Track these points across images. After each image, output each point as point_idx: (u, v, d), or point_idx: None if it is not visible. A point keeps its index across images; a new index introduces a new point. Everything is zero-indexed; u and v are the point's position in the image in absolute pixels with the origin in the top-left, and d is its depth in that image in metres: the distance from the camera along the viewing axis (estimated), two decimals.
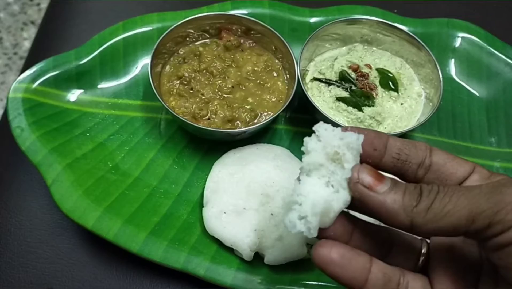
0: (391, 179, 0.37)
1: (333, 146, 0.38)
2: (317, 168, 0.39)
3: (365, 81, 0.67)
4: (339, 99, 0.66)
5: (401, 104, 0.67)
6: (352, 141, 0.38)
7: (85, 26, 0.79)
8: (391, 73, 0.69)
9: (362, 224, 0.41)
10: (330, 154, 0.39)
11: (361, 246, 0.40)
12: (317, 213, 0.37)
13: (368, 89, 0.67)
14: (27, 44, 1.71)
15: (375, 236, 0.41)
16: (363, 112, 0.65)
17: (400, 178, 0.40)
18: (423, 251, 0.42)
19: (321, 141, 0.39)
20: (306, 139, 0.40)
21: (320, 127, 0.40)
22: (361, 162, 0.39)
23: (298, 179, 0.40)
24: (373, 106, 0.65)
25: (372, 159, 0.40)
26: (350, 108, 0.65)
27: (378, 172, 0.38)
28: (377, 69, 0.69)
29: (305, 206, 0.37)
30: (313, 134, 0.40)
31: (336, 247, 0.37)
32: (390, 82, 0.68)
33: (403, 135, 0.68)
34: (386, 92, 0.67)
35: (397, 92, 0.67)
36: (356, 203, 0.38)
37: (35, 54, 0.79)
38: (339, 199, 0.37)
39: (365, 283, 0.37)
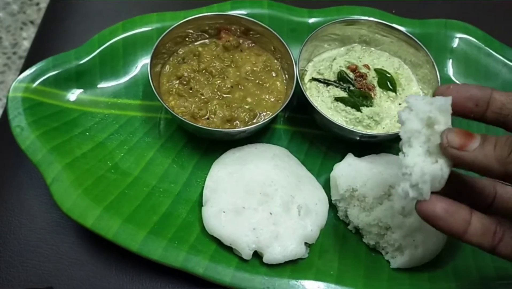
0: (480, 134, 0.41)
1: (424, 112, 0.42)
2: (416, 136, 0.42)
3: (363, 82, 0.67)
4: (338, 99, 0.66)
5: (399, 104, 0.67)
6: (441, 104, 0.42)
7: (85, 26, 0.80)
8: (389, 73, 0.69)
9: (467, 179, 0.45)
10: (424, 120, 0.42)
11: (462, 198, 0.43)
12: (426, 180, 0.41)
13: (366, 89, 0.67)
14: (26, 44, 1.71)
15: (475, 188, 0.46)
16: (361, 112, 0.65)
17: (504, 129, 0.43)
18: None
19: (413, 110, 0.43)
20: (399, 112, 0.44)
21: (410, 98, 0.44)
22: (465, 117, 0.43)
23: (403, 153, 0.44)
24: (371, 106, 0.66)
25: (474, 114, 0.43)
26: (348, 108, 0.65)
27: (466, 132, 0.41)
28: (375, 70, 0.69)
29: (415, 175, 0.42)
30: (404, 107, 0.44)
31: (440, 202, 0.42)
32: (388, 83, 0.68)
33: None
34: (384, 93, 0.68)
35: (395, 92, 0.68)
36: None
37: (35, 54, 0.79)
38: (443, 164, 0.42)
39: (464, 233, 0.42)
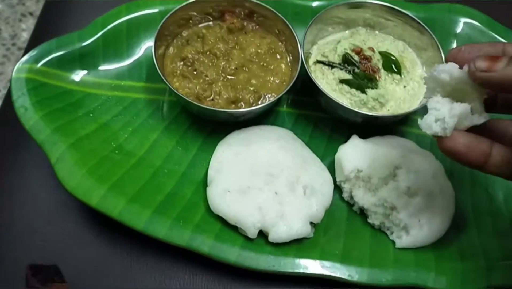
0: (506, 56, 0.42)
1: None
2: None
3: (368, 64, 0.67)
4: (343, 81, 0.66)
5: (404, 87, 0.67)
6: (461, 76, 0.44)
7: (85, 19, 0.77)
8: (394, 56, 0.69)
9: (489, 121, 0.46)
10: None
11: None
12: (455, 115, 0.43)
13: (371, 72, 0.67)
14: (25, 35, 1.70)
15: (498, 129, 0.48)
16: (366, 94, 0.65)
17: None
18: None
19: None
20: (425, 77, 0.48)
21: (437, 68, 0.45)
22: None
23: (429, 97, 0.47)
24: (376, 88, 0.65)
25: None
26: (353, 90, 0.65)
27: (492, 56, 0.42)
28: (380, 52, 0.69)
29: (443, 110, 0.44)
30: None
31: (461, 138, 0.44)
32: (393, 65, 0.68)
33: (406, 117, 0.68)
34: (389, 75, 0.67)
35: (400, 75, 0.68)
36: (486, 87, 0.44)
37: (34, 45, 0.78)
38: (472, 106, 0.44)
39: (484, 164, 0.44)
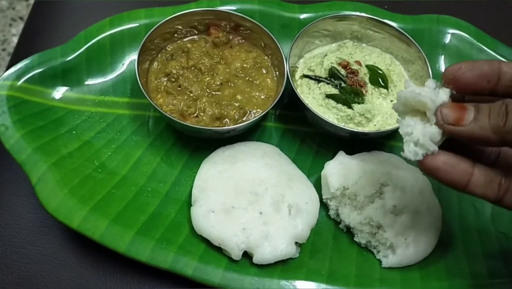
0: (474, 105, 0.41)
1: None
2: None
3: (355, 78, 0.66)
4: (329, 96, 0.65)
5: (391, 101, 0.66)
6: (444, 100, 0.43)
7: (72, 22, 0.78)
8: (381, 70, 0.68)
9: None
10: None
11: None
12: (428, 132, 0.43)
13: (357, 86, 0.66)
14: (15, 41, 1.68)
15: (477, 147, 0.48)
16: (352, 109, 0.64)
17: None
18: None
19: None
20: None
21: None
22: (478, 95, 0.44)
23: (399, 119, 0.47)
24: (362, 103, 0.65)
25: (486, 90, 0.43)
26: (339, 105, 0.64)
27: (459, 105, 0.42)
28: (367, 66, 0.68)
29: (416, 132, 0.44)
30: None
31: (441, 155, 0.43)
32: (380, 79, 0.67)
33: (393, 132, 0.67)
34: (376, 89, 0.67)
35: (387, 89, 0.67)
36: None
37: (22, 51, 0.77)
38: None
39: (467, 184, 0.43)
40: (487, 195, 0.43)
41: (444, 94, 0.44)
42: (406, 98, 0.45)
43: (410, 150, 0.44)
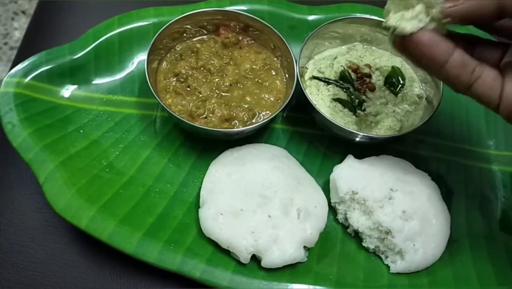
0: None
1: None
2: None
3: (368, 80, 0.66)
4: (336, 100, 0.65)
5: (401, 105, 0.66)
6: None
7: (79, 19, 0.78)
8: (397, 67, 0.68)
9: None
10: None
11: None
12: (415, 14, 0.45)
13: (367, 90, 0.66)
14: (17, 34, 1.67)
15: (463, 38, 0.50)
16: (357, 116, 0.64)
17: None
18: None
19: None
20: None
21: None
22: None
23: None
24: (365, 111, 0.64)
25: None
26: (346, 110, 0.64)
27: None
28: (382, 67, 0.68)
29: (407, 14, 0.45)
30: None
31: (426, 32, 0.44)
32: (398, 78, 0.67)
33: (402, 137, 0.67)
34: (386, 93, 0.66)
35: (398, 92, 0.67)
36: None
37: (27, 46, 0.77)
38: None
39: (445, 63, 0.44)
40: (460, 79, 0.45)
41: None
42: None
43: (397, 21, 0.45)
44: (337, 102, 0.65)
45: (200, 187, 0.60)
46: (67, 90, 0.65)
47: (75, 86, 0.65)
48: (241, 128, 0.61)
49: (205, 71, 0.65)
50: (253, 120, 0.63)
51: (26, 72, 0.63)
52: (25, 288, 0.55)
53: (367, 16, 0.72)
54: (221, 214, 0.56)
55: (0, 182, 0.62)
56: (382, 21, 0.68)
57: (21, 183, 0.62)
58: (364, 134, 0.62)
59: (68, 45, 0.66)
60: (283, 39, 0.66)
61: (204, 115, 0.62)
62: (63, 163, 0.58)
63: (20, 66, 0.63)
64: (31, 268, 0.57)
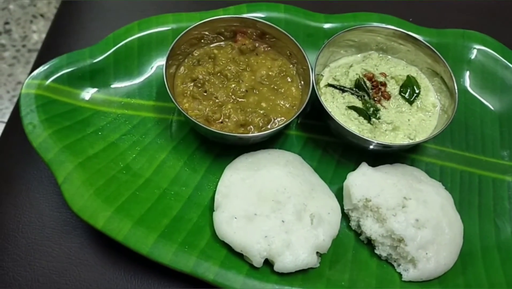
0: None
1: None
2: None
3: (383, 89, 0.67)
4: (351, 108, 0.66)
5: (416, 114, 0.67)
6: None
7: (99, 24, 0.79)
8: (413, 76, 0.68)
9: None
10: None
11: None
12: None
13: (382, 98, 0.66)
14: (35, 37, 1.70)
15: None
16: (371, 124, 0.64)
17: None
18: None
19: None
20: None
21: None
22: None
23: None
24: (380, 119, 0.65)
25: None
26: (361, 118, 0.65)
27: None
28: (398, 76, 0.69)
29: None
30: None
31: None
32: (413, 87, 0.68)
33: (416, 146, 0.67)
34: (401, 102, 0.67)
35: (413, 101, 0.67)
36: None
37: (48, 49, 0.79)
38: None
39: None
40: None
41: None
42: None
43: None
44: (352, 110, 0.66)
45: (215, 191, 0.61)
46: (87, 93, 0.66)
47: (95, 89, 0.67)
48: (256, 134, 0.62)
49: (222, 77, 0.66)
50: (268, 126, 0.64)
51: (47, 75, 0.64)
52: (42, 286, 0.57)
53: (383, 25, 0.73)
54: (235, 218, 0.57)
55: (20, 182, 0.63)
56: (397, 31, 0.70)
57: (40, 184, 0.63)
58: (379, 142, 0.63)
59: (89, 49, 0.67)
60: (299, 46, 0.67)
61: (220, 120, 0.63)
62: (81, 164, 0.59)
63: (41, 68, 0.64)
64: (47, 267, 0.58)
